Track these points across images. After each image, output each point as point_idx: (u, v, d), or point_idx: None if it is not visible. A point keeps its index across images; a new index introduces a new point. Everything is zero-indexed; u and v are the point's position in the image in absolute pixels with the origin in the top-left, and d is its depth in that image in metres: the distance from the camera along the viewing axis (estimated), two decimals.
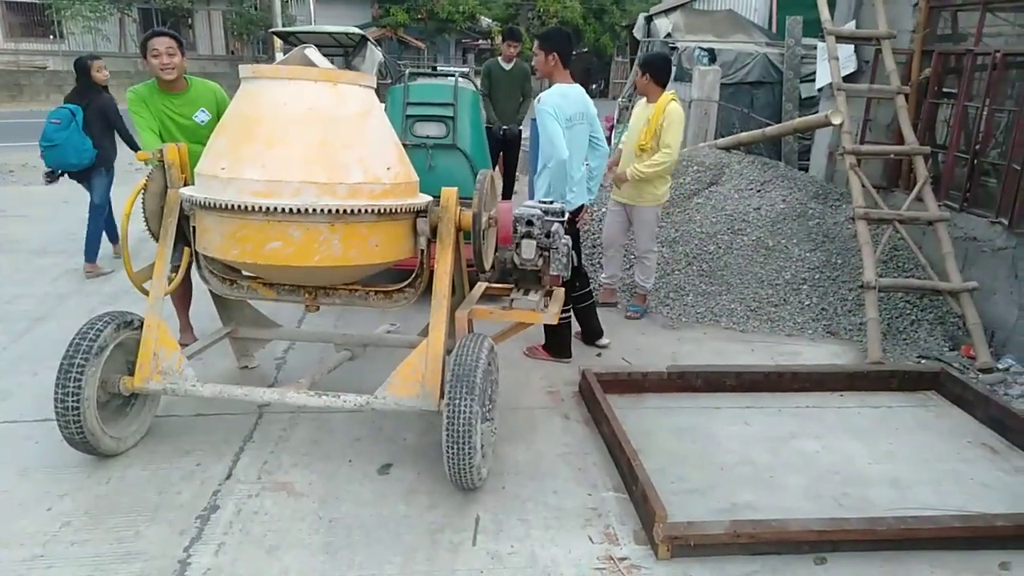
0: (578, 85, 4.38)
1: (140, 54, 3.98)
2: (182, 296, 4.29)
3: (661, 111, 4.78)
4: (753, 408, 3.96)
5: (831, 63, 6.01)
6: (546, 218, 3.54)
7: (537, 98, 4.23)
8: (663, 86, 4.91)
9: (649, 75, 4.89)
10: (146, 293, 3.33)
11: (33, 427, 3.44)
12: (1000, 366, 4.54)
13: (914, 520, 2.80)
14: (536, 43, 4.43)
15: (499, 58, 7.28)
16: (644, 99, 5.05)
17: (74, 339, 2.99)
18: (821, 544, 2.73)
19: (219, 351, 4.04)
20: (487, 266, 3.50)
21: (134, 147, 4.29)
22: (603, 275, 5.44)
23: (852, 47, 6.84)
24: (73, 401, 2.90)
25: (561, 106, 4.16)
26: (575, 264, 3.76)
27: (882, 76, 6.09)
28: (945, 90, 5.96)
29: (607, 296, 5.43)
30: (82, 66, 5.63)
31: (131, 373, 3.16)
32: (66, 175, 5.70)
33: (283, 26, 22.09)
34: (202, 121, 4.05)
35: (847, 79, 6.44)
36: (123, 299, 5.04)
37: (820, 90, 7.76)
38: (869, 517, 2.85)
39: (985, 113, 5.29)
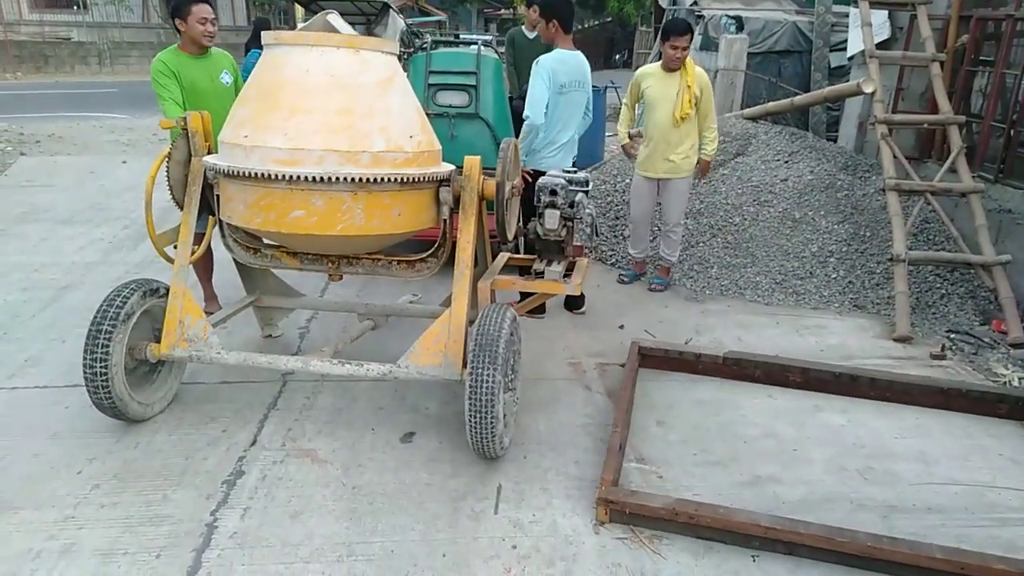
0: (579, 53, 4.39)
1: (174, 16, 3.97)
2: (205, 265, 4.34)
3: (694, 77, 4.70)
4: None
5: (864, 29, 5.84)
6: (570, 188, 3.50)
7: (536, 60, 4.27)
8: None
9: (691, 37, 4.71)
10: (168, 259, 3.35)
11: (63, 393, 3.51)
12: None
13: (889, 541, 2.48)
14: (538, 10, 4.37)
15: (523, 27, 7.17)
16: (655, 69, 4.86)
17: (101, 306, 3.02)
18: (773, 543, 2.55)
19: (243, 320, 4.07)
20: (510, 236, 3.48)
21: None
22: (632, 249, 5.36)
23: (886, 13, 6.65)
24: (101, 367, 2.94)
25: (556, 71, 4.21)
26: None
27: (917, 43, 5.91)
28: (982, 58, 5.78)
29: (638, 268, 5.42)
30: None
31: (158, 340, 3.19)
32: None
33: None
34: (227, 83, 4.15)
35: (880, 46, 6.27)
36: (149, 268, 5.10)
37: (851, 59, 7.57)
38: (831, 526, 2.57)
39: None
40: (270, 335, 4.20)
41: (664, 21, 12.65)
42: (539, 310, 4.52)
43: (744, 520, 2.59)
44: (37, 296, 4.73)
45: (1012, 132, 5.24)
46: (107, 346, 2.95)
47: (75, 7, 23.69)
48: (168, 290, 3.23)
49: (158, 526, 2.60)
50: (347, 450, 3.12)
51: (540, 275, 3.60)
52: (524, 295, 4.25)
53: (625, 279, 5.35)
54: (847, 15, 8.14)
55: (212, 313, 3.79)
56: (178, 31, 4.00)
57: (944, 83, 5.53)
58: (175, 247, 3.34)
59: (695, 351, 3.99)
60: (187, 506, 2.72)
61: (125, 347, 3.04)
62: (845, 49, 8.02)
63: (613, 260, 5.77)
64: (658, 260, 5.30)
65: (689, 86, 4.70)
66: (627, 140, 5.18)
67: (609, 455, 2.92)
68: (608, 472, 2.79)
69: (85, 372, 2.96)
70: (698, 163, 4.97)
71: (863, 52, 5.94)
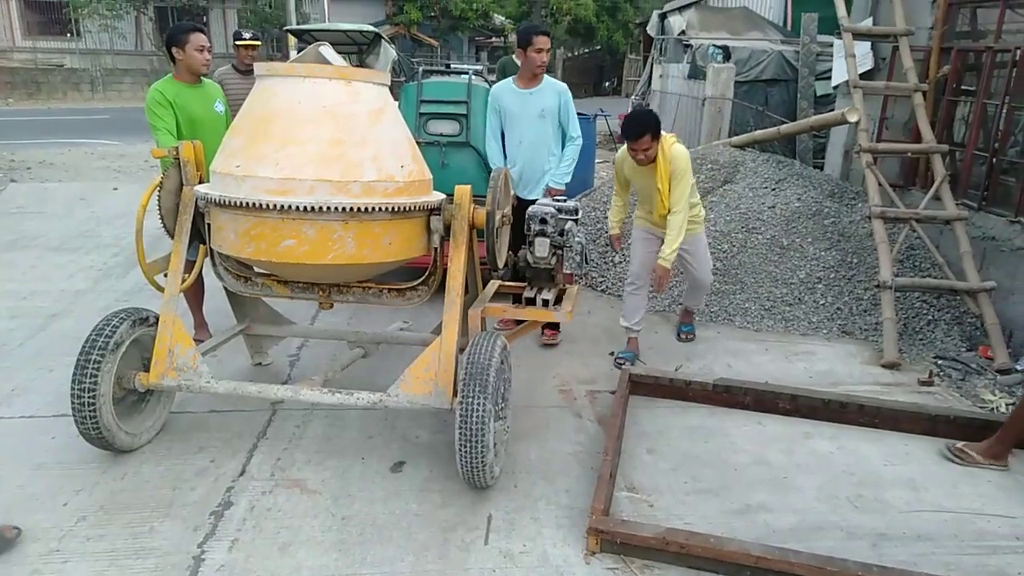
0: None
1: (171, 45, 4.00)
2: (195, 293, 4.33)
3: (665, 174, 4.04)
4: None
5: (848, 60, 5.95)
6: (560, 216, 3.53)
7: (564, 89, 4.55)
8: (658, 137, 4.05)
9: (651, 136, 3.96)
10: (158, 287, 3.35)
11: (49, 423, 3.47)
12: (1018, 367, 4.48)
13: (879, 570, 2.48)
14: (546, 39, 4.40)
15: (514, 56, 7.27)
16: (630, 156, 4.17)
17: (90, 335, 3.01)
18: (764, 572, 2.54)
19: (233, 348, 4.06)
20: (500, 264, 3.50)
21: None
22: (626, 321, 4.53)
23: (869, 44, 6.77)
24: (89, 397, 2.92)
25: None
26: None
27: (899, 73, 6.03)
28: (964, 88, 5.89)
29: (632, 345, 4.54)
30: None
31: (147, 369, 3.18)
32: None
33: (297, 23, 22.12)
34: (221, 112, 4.20)
35: (864, 76, 6.37)
36: (139, 296, 5.08)
37: (836, 88, 7.69)
38: (821, 555, 2.56)
39: (1004, 111, 5.22)
40: (260, 363, 4.19)
41: (654, 51, 12.84)
42: (554, 326, 4.61)
43: (735, 549, 2.58)
44: (25, 324, 4.70)
45: (994, 160, 5.33)
46: (95, 376, 2.94)
47: (69, 34, 23.84)
48: (158, 319, 3.23)
49: (144, 559, 2.57)
50: (337, 480, 3.10)
51: (531, 302, 3.61)
52: (517, 322, 4.25)
53: (622, 362, 4.36)
54: (831, 45, 8.28)
55: (202, 341, 3.77)
56: (173, 60, 4.03)
57: (927, 112, 5.64)
58: (165, 275, 3.34)
59: (685, 378, 4.00)
60: (174, 538, 2.69)
61: (114, 376, 3.03)
62: (830, 78, 8.16)
63: (603, 287, 5.79)
64: (680, 306, 4.90)
65: (659, 188, 4.07)
66: (616, 232, 4.65)
67: (599, 484, 2.92)
68: (598, 501, 2.79)
69: (73, 402, 2.94)
70: (654, 269, 4.20)
71: (847, 82, 6.06)
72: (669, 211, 4.10)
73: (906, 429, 3.71)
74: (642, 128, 3.95)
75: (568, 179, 4.57)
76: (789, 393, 3.87)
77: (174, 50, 3.99)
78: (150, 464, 3.16)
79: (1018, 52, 5.09)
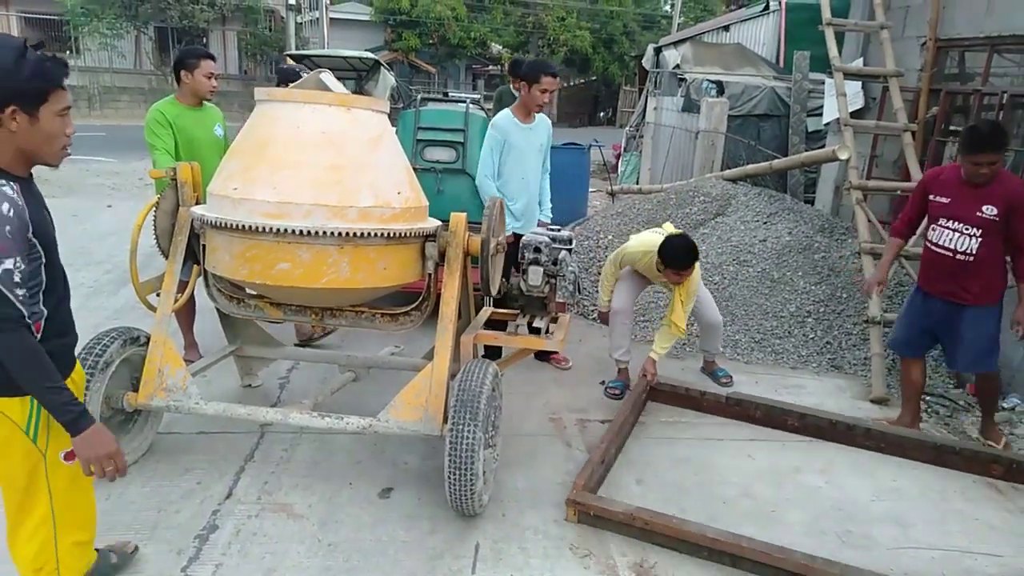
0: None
1: (180, 67, 4.02)
2: (187, 313, 4.32)
3: (691, 282, 4.15)
4: (757, 440, 3.94)
5: (839, 99, 6.06)
6: (553, 245, 3.57)
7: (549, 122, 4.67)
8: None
9: (692, 267, 4.05)
10: (150, 307, 3.35)
11: None
12: (1006, 405, 4.51)
13: (823, 562, 2.70)
14: (554, 80, 4.35)
15: (510, 85, 7.35)
16: (645, 257, 4.23)
17: (80, 354, 2.98)
18: (720, 555, 2.82)
19: (223, 369, 4.03)
20: (494, 292, 3.52)
21: None
22: (615, 352, 4.50)
23: (859, 83, 6.90)
24: None
25: None
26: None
27: (889, 113, 6.14)
28: (952, 128, 5.99)
29: (623, 376, 4.52)
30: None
31: (135, 389, 3.16)
32: None
33: (296, 48, 22.38)
34: (220, 135, 4.23)
35: (854, 115, 6.48)
36: (130, 314, 5.05)
37: (827, 125, 7.81)
38: (771, 544, 2.82)
39: None
40: (249, 385, 4.17)
41: (648, 83, 13.03)
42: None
43: (693, 531, 2.86)
44: None
45: None
46: (84, 395, 2.91)
47: (68, 51, 23.96)
48: (149, 338, 3.22)
49: None
50: (324, 505, 3.08)
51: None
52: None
53: (616, 392, 4.40)
54: (823, 82, 8.44)
55: (192, 361, 3.76)
56: (179, 81, 4.06)
57: (916, 152, 5.73)
58: (158, 295, 3.34)
59: (700, 389, 4.21)
60: (157, 562, 2.66)
61: (102, 396, 3.01)
62: (821, 114, 8.29)
63: (595, 315, 5.80)
64: (704, 354, 4.83)
65: (681, 301, 4.14)
66: (606, 308, 4.55)
67: (588, 464, 3.11)
68: (582, 477, 3.01)
69: None
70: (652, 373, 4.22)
71: (838, 120, 6.16)
72: (673, 322, 4.17)
73: (912, 456, 3.79)
74: (693, 258, 4.01)
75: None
76: (798, 411, 4.04)
77: (182, 72, 4.01)
78: (135, 485, 3.13)
79: (1004, 96, 5.20)
